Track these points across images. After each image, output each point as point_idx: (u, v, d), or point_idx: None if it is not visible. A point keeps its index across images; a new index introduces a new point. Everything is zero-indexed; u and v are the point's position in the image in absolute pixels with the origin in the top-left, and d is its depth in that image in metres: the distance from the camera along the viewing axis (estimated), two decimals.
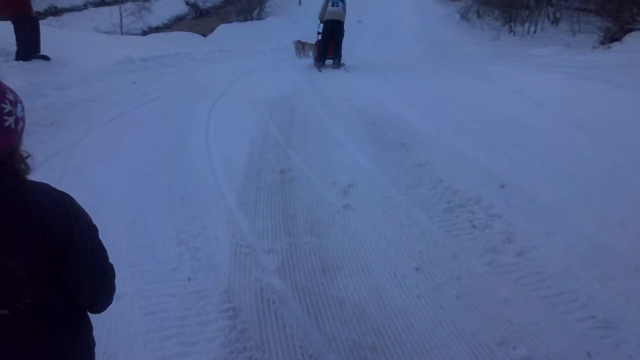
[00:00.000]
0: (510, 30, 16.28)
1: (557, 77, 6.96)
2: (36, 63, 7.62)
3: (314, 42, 11.73)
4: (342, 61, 10.66)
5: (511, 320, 2.82)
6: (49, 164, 4.57)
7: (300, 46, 13.11)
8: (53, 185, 1.32)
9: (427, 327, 2.79)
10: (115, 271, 1.48)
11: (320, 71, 10.31)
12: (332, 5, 10.02)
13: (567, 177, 4.44)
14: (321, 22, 10.56)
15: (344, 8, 10.18)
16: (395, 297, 3.04)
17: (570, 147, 5.04)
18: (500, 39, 15.78)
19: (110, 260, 1.45)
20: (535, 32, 15.55)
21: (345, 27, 10.58)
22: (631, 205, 3.81)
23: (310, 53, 12.43)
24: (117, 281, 1.40)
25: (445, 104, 6.99)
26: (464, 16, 18.39)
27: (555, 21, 15.54)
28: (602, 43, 12.31)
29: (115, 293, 1.48)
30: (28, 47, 7.62)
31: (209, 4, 24.76)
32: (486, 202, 4.12)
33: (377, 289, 3.11)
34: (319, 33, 10.87)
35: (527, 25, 15.86)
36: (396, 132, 5.97)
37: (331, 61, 10.74)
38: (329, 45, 10.40)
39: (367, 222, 3.90)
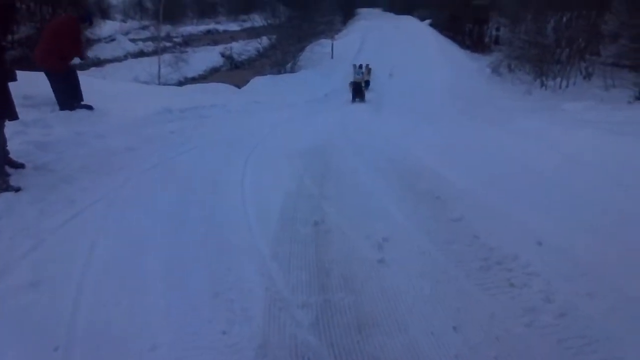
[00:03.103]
0: (542, 85, 16.29)
1: (592, 133, 6.91)
2: (80, 112, 7.91)
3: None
4: (364, 100, 16.54)
5: None
6: (90, 210, 4.70)
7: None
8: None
9: None
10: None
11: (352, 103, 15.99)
12: (356, 74, 16.58)
13: (607, 236, 4.33)
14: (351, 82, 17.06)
15: (362, 76, 16.66)
16: (432, 357, 2.97)
17: (610, 204, 4.94)
18: (532, 93, 15.79)
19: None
20: (567, 86, 15.53)
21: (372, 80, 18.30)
22: None
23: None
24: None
25: (478, 158, 6.96)
26: (495, 70, 18.54)
27: (588, 76, 15.53)
28: (638, 98, 12.23)
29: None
30: (67, 97, 7.87)
31: (243, 57, 25.66)
32: (524, 260, 4.03)
33: (414, 348, 3.04)
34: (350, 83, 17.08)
35: (558, 79, 15.85)
36: (430, 184, 5.94)
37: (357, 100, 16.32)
38: (356, 94, 16.44)
39: (402, 278, 3.85)
